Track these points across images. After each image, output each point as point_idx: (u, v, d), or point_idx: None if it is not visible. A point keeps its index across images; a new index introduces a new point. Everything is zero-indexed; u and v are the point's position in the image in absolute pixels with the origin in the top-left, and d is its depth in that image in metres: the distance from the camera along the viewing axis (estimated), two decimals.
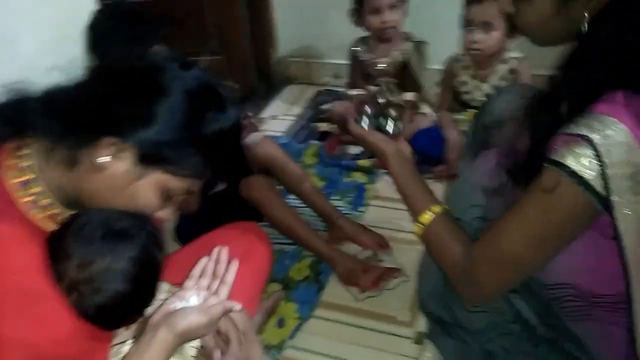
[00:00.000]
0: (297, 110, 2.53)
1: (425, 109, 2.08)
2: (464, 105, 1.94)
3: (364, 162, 2.02)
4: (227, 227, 1.35)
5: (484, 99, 1.88)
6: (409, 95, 2.02)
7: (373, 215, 1.83)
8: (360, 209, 1.85)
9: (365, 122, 1.05)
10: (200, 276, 0.89)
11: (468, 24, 1.76)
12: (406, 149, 1.03)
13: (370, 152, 1.06)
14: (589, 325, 0.85)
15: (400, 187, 0.98)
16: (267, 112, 2.54)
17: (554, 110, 0.71)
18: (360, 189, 1.92)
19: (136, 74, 0.79)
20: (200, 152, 0.80)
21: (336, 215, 1.68)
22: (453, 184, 1.04)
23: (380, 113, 1.06)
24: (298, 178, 1.67)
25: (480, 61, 1.84)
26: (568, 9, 0.70)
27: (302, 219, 1.64)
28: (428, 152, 1.91)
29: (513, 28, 1.69)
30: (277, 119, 2.47)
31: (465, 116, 1.93)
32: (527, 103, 0.80)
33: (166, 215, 0.84)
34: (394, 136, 1.04)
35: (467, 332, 0.98)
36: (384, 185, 1.96)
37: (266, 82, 2.72)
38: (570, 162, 0.67)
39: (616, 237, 0.69)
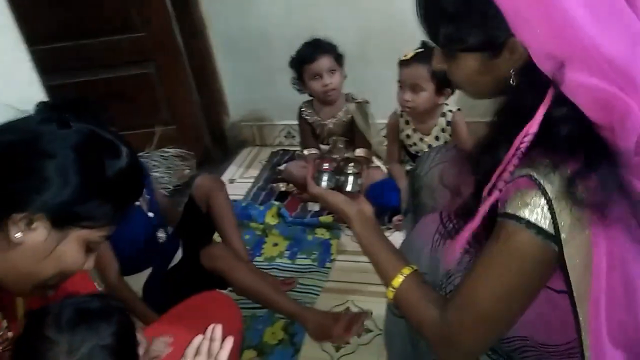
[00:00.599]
0: (254, 172, 2.58)
1: (377, 162, 2.17)
2: (413, 157, 2.04)
3: (326, 218, 2.07)
4: (194, 298, 1.36)
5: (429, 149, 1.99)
6: (359, 152, 2.13)
7: (341, 270, 1.87)
8: (328, 264, 1.89)
9: (324, 181, 1.06)
10: (196, 355, 0.89)
11: (400, 84, 1.88)
12: (368, 208, 1.02)
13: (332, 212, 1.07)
14: None
15: (366, 250, 0.97)
16: (224, 177, 2.57)
17: (494, 154, 0.73)
18: (325, 245, 1.97)
19: (16, 148, 0.80)
20: (108, 198, 0.83)
21: (300, 310, 1.58)
22: (401, 246, 1.07)
23: (338, 171, 1.07)
24: (252, 281, 1.62)
25: (416, 117, 1.96)
26: (493, 66, 0.73)
27: (269, 280, 1.67)
28: (384, 203, 2.00)
29: (442, 86, 1.82)
30: (235, 182, 2.51)
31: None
32: (469, 152, 0.82)
33: (90, 266, 0.87)
34: (354, 194, 1.05)
35: None
36: (347, 239, 2.01)
37: (221, 147, 2.76)
38: (526, 213, 0.69)
39: (566, 283, 0.70)
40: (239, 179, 2.54)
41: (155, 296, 1.55)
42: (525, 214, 0.69)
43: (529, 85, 0.68)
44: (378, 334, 1.58)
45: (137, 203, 1.55)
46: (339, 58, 2.07)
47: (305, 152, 2.22)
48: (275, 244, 2.02)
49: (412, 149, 2.03)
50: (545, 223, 0.68)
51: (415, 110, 1.88)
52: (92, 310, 0.83)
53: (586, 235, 0.68)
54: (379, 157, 2.22)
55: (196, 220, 1.77)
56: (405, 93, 1.86)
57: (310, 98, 2.20)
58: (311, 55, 2.03)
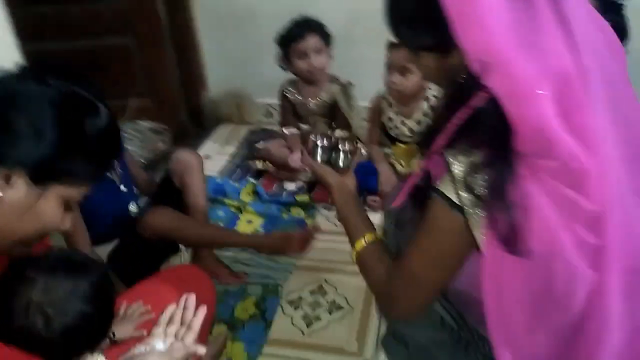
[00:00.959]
0: (230, 149, 2.55)
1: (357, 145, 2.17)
2: (393, 140, 2.05)
3: (302, 197, 2.07)
4: (168, 270, 1.36)
5: (410, 134, 2.01)
6: (340, 133, 2.12)
7: (315, 249, 1.86)
8: None
9: (318, 155, 1.15)
10: (169, 323, 0.89)
11: (388, 66, 1.88)
12: (351, 182, 1.12)
13: (319, 182, 1.18)
14: None
15: (341, 217, 1.07)
16: (200, 152, 2.52)
17: (431, 137, 0.81)
18: (301, 224, 1.96)
19: None
20: (88, 155, 0.83)
21: (252, 239, 1.77)
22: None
23: (333, 147, 1.15)
24: (202, 229, 1.69)
25: (401, 100, 1.96)
26: (446, 65, 0.80)
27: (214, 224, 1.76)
28: (362, 185, 1.99)
29: None
30: (211, 159, 2.47)
31: (395, 150, 2.04)
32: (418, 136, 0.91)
33: (66, 226, 0.87)
34: (344, 169, 1.14)
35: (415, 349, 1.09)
36: (323, 219, 2.01)
37: (197, 122, 2.72)
38: (442, 186, 0.78)
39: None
40: (215, 155, 2.51)
41: (119, 266, 1.53)
42: (441, 187, 0.78)
43: (469, 82, 0.74)
44: (349, 311, 1.59)
45: (110, 176, 1.53)
46: (327, 38, 2.05)
47: (285, 130, 2.21)
48: (250, 221, 2.01)
49: (393, 132, 2.04)
50: (453, 196, 0.76)
51: (402, 93, 1.88)
52: (74, 261, 0.87)
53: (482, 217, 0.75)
54: (359, 140, 2.21)
55: (171, 195, 1.75)
56: (393, 75, 1.86)
57: (294, 77, 2.17)
58: (299, 34, 2.00)
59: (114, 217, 1.54)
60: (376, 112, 2.07)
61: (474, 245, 0.78)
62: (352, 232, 1.03)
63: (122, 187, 1.57)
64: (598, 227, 0.72)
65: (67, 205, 0.85)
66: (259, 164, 2.29)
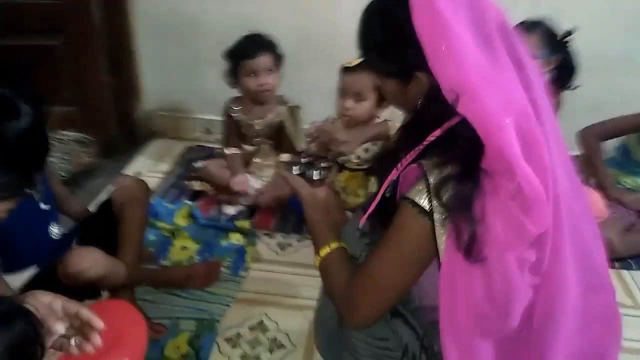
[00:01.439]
0: (164, 167, 2.37)
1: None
2: (340, 167, 1.97)
3: (242, 223, 1.94)
4: (97, 305, 1.21)
5: (357, 161, 1.94)
6: (285, 157, 2.02)
7: (255, 280, 1.74)
8: (242, 273, 1.75)
9: (294, 169, 1.21)
10: None
11: (341, 91, 1.81)
12: (322, 193, 1.16)
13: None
14: None
15: (309, 227, 1.10)
16: (130, 169, 2.34)
17: (395, 154, 0.92)
18: (240, 252, 1.82)
19: None
20: (9, 163, 0.78)
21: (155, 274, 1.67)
22: (343, 229, 1.19)
23: (309, 164, 1.22)
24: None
25: (351, 126, 1.89)
26: (406, 91, 0.91)
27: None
28: None
29: (383, 98, 1.78)
30: (142, 175, 2.28)
31: (342, 177, 1.97)
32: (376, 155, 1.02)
33: None
34: (317, 183, 1.19)
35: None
36: (264, 247, 1.89)
37: (128, 136, 2.52)
38: (412, 194, 0.85)
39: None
40: (147, 173, 2.32)
41: None
42: (412, 195, 0.85)
43: (430, 107, 0.86)
44: (291, 350, 1.47)
45: (28, 191, 1.33)
46: (278, 58, 1.96)
47: (227, 151, 2.08)
48: (184, 247, 1.84)
49: (340, 159, 1.96)
50: (424, 203, 0.84)
51: (354, 119, 1.82)
52: None
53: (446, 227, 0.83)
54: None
55: (106, 226, 1.54)
56: (346, 101, 1.79)
57: (240, 95, 2.06)
58: (251, 51, 1.90)
59: (32, 239, 1.34)
60: None
61: (435, 254, 0.85)
62: (317, 241, 1.07)
63: (42, 205, 1.38)
64: (540, 246, 0.81)
65: None
66: (196, 185, 2.14)
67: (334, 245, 1.03)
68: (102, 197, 1.71)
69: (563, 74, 1.84)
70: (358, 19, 0.92)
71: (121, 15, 2.35)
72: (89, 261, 1.33)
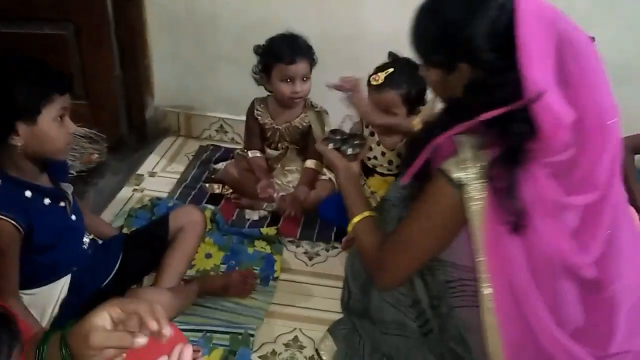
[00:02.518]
0: (177, 167, 2.27)
1: (328, 175, 2.01)
2: (371, 171, 1.92)
3: (267, 230, 1.86)
4: None
5: (388, 165, 1.89)
6: (310, 163, 1.96)
7: (285, 291, 1.67)
8: (272, 284, 1.67)
9: (331, 144, 1.28)
10: None
11: (373, 105, 1.72)
12: (356, 167, 1.27)
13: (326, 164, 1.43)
14: (470, 312, 1.03)
15: (344, 195, 1.23)
16: (143, 168, 2.24)
17: (428, 138, 0.98)
18: (268, 261, 1.74)
19: None
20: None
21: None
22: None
23: (344, 140, 1.29)
24: None
25: (386, 132, 1.84)
26: (448, 80, 1.00)
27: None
28: (334, 220, 1.86)
29: (413, 108, 1.72)
30: (157, 176, 2.20)
31: (372, 182, 1.91)
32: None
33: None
34: (351, 157, 1.26)
35: (371, 322, 1.23)
36: (291, 255, 1.82)
37: (138, 132, 2.41)
38: (445, 166, 0.95)
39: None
40: (161, 172, 2.23)
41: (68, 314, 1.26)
42: (445, 166, 0.95)
43: (472, 96, 0.95)
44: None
45: (62, 204, 1.26)
46: (313, 64, 1.86)
47: (250, 153, 1.99)
48: (209, 255, 1.76)
49: (370, 163, 1.90)
50: (455, 175, 0.93)
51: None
52: None
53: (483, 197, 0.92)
54: (330, 170, 2.06)
55: (153, 243, 1.49)
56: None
57: (266, 95, 1.98)
58: (289, 56, 1.79)
59: (66, 250, 1.26)
60: None
61: (463, 223, 0.94)
62: (351, 209, 1.19)
63: (72, 217, 1.30)
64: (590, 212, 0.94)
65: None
66: (216, 188, 2.05)
67: (366, 213, 1.17)
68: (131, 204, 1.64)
69: None
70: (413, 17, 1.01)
71: (134, 7, 2.23)
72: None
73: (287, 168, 2.03)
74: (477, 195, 0.92)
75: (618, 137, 0.97)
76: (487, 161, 0.91)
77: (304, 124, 1.95)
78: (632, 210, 1.78)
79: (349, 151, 1.26)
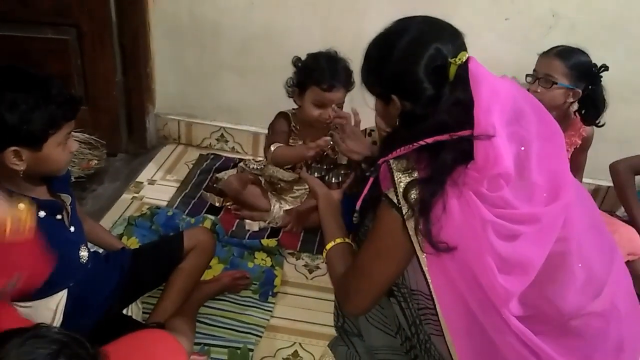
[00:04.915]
0: (177, 175, 2.26)
1: None
2: None
3: (268, 242, 1.85)
4: (136, 336, 1.17)
5: None
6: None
7: (284, 305, 1.66)
8: (271, 300, 1.65)
9: (316, 174, 1.32)
10: None
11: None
12: (336, 194, 1.30)
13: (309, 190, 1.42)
14: (440, 340, 1.03)
15: (321, 224, 1.25)
16: (142, 176, 2.22)
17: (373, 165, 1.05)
18: (268, 276, 1.72)
19: None
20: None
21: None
22: None
23: (329, 169, 1.35)
24: None
25: None
26: (389, 110, 1.05)
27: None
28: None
29: None
30: (157, 184, 2.18)
31: None
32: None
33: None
34: (334, 185, 1.30)
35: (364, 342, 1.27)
36: (291, 268, 1.81)
37: (138, 139, 2.40)
38: (388, 192, 0.97)
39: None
40: (160, 180, 2.21)
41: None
42: (388, 192, 0.98)
43: (404, 126, 1.02)
44: None
45: (59, 217, 1.24)
46: (350, 89, 1.75)
47: (273, 147, 1.79)
48: (208, 267, 1.73)
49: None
50: (394, 198, 0.95)
51: None
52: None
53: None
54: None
55: (161, 260, 1.48)
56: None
57: (292, 109, 1.89)
58: (328, 83, 1.69)
59: (63, 263, 1.24)
60: None
61: (411, 245, 0.95)
62: (326, 236, 1.21)
63: (71, 229, 1.27)
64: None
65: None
66: (217, 201, 2.04)
67: (338, 240, 1.18)
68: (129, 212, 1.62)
69: (589, 108, 1.68)
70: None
71: (138, 11, 2.22)
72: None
73: (295, 187, 1.96)
74: (413, 218, 0.94)
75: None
76: (414, 185, 0.94)
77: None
78: (633, 230, 1.78)
79: (334, 180, 1.34)
